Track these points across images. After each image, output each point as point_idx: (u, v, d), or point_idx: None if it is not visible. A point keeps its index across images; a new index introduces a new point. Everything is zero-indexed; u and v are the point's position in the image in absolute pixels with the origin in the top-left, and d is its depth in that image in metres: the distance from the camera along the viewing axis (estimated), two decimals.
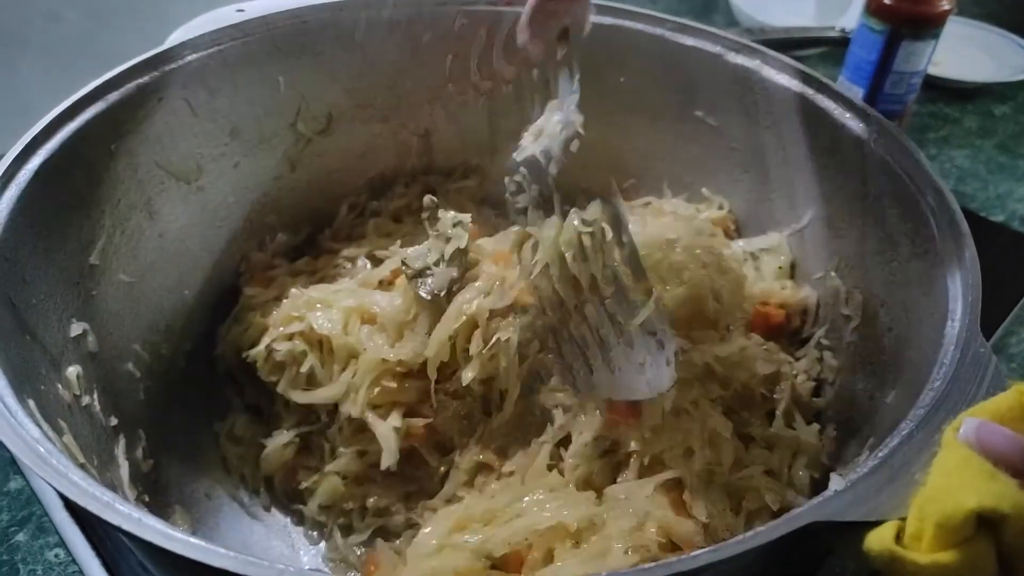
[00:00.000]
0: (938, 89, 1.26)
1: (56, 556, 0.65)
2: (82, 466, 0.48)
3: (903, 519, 0.35)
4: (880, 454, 0.39)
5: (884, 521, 0.35)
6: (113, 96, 0.64)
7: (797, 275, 0.74)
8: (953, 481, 0.34)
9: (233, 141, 0.76)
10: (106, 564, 0.62)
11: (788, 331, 0.73)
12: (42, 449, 0.40)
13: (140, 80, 0.66)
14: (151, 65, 0.67)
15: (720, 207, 0.81)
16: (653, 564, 0.33)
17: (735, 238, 0.80)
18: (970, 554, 0.32)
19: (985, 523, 0.32)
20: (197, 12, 0.77)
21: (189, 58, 0.70)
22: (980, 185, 1.10)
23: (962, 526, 0.32)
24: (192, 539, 0.34)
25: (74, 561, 0.64)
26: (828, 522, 0.36)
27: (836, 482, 0.40)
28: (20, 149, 0.57)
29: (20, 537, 0.66)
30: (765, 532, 0.35)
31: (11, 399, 0.43)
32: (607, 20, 0.78)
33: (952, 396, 0.42)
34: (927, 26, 0.99)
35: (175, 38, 0.72)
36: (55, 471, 0.38)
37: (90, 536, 0.64)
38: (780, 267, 0.74)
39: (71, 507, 0.65)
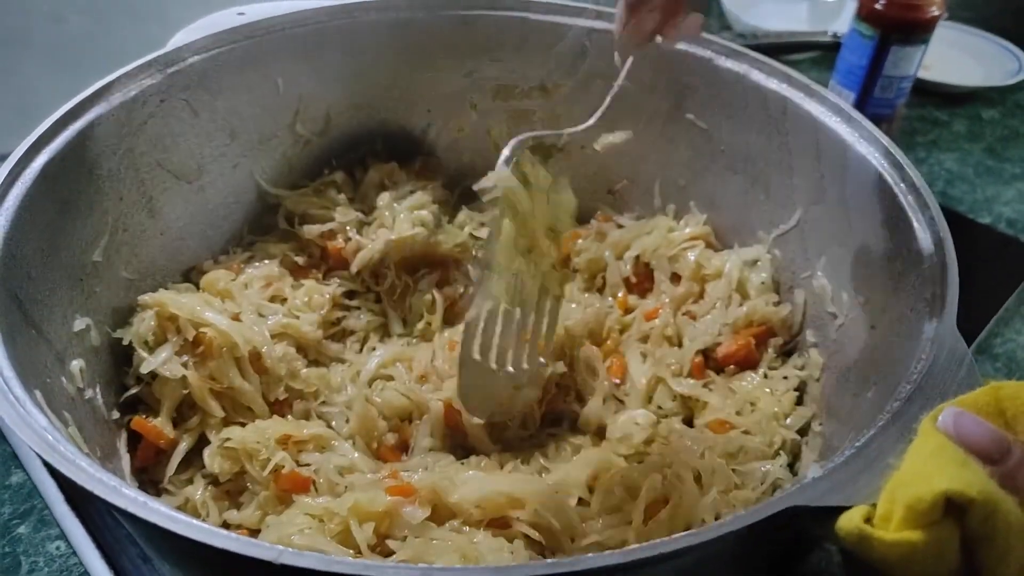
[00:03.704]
0: (928, 93, 1.28)
1: (57, 548, 0.65)
2: (86, 456, 0.49)
3: (875, 505, 0.36)
4: (857, 444, 0.40)
5: None
6: (116, 97, 0.66)
7: (784, 276, 0.75)
8: (926, 466, 0.35)
9: (233, 142, 0.77)
10: (106, 556, 0.63)
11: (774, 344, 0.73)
12: (50, 437, 0.41)
13: (142, 82, 0.68)
14: (153, 67, 0.69)
15: (703, 222, 0.82)
16: (638, 546, 0.34)
17: (718, 249, 0.81)
18: (936, 535, 0.33)
19: (952, 508, 0.34)
20: (198, 15, 0.78)
21: (190, 60, 0.71)
22: (968, 188, 1.12)
23: (931, 509, 0.33)
24: (195, 521, 0.35)
25: (75, 553, 0.65)
26: (806, 507, 0.37)
27: (814, 470, 0.42)
28: (25, 149, 0.58)
29: (22, 530, 0.67)
30: (744, 516, 0.36)
31: (19, 390, 0.45)
32: (599, 24, 0.79)
33: (927, 389, 0.44)
34: (917, 31, 1.00)
35: (176, 41, 0.73)
36: (63, 457, 0.40)
37: (91, 529, 0.65)
38: (763, 282, 0.75)
39: (72, 500, 0.66)
